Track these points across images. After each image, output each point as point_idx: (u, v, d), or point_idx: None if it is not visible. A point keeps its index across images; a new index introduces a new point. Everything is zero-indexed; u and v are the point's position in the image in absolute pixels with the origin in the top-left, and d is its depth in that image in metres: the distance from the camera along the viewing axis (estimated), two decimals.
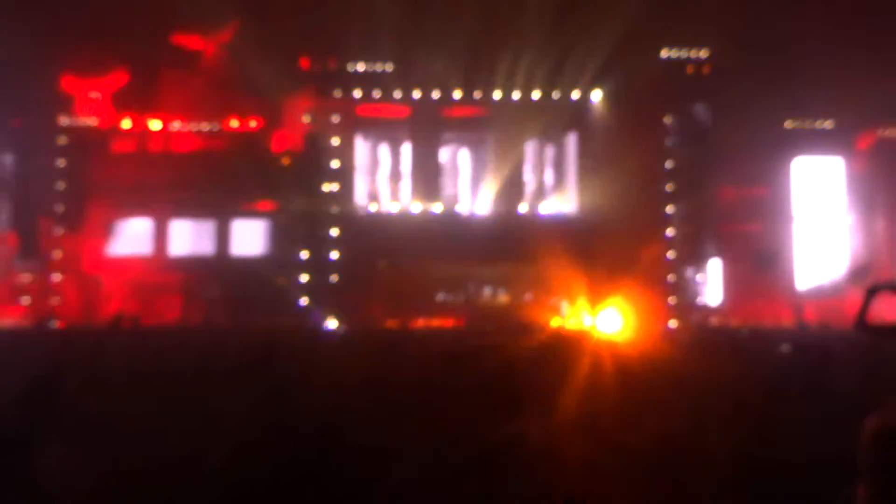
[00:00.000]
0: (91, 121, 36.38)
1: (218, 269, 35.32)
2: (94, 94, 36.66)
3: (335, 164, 36.15)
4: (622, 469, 5.28)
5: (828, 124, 38.07)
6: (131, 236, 35.82)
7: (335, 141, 36.26)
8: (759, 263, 35.21)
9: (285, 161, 35.56)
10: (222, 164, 34.87)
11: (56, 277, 35.14)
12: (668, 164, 36.70)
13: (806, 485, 4.73)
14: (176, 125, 36.83)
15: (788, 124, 38.38)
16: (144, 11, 37.37)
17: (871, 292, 5.18)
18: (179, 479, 5.45)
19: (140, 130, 36.54)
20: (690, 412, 6.52)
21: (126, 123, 36.42)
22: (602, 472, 5.14)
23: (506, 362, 9.61)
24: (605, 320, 16.11)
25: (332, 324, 31.76)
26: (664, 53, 36.90)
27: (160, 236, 35.93)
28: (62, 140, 35.95)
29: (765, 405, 6.93)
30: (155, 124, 36.66)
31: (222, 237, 36.07)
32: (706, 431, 5.96)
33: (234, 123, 36.98)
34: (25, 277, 35.21)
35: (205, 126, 36.98)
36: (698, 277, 36.29)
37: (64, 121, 36.08)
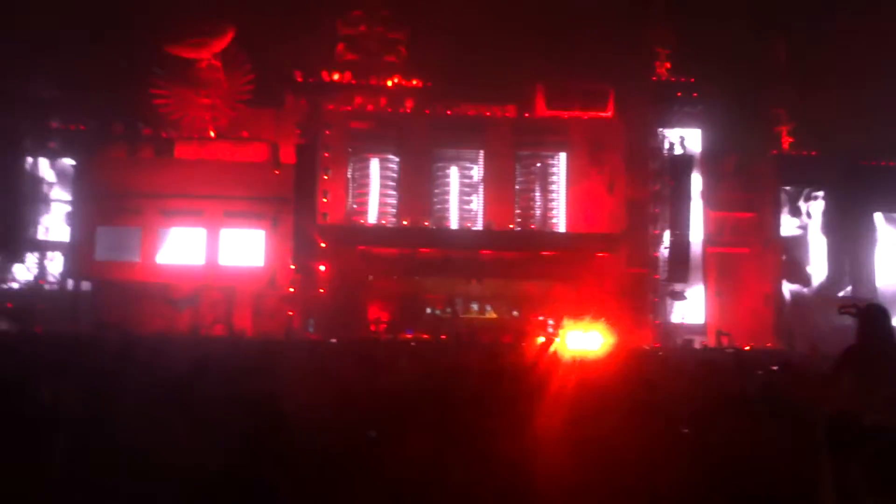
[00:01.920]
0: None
1: (208, 278, 35.23)
2: None
3: (326, 176, 36.20)
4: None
5: (813, 153, 38.73)
6: (117, 243, 35.62)
7: (326, 153, 36.32)
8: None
9: (276, 172, 35.58)
10: (214, 173, 35.01)
11: None
12: (656, 187, 37.21)
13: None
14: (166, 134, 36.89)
15: (774, 152, 39.08)
16: (138, 24, 37.84)
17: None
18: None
19: (133, 139, 36.48)
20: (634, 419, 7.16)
21: (115, 130, 36.44)
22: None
23: (481, 376, 10.07)
24: (582, 338, 16.17)
25: (319, 334, 31.65)
26: (655, 78, 37.47)
27: (148, 243, 35.74)
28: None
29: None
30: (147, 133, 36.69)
31: (212, 247, 35.93)
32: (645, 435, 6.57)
33: (226, 134, 37.07)
34: None
35: (197, 136, 37.04)
36: (682, 297, 36.58)
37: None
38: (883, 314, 5.67)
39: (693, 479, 5.70)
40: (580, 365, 12.34)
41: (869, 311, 5.66)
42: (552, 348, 15.77)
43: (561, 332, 33.08)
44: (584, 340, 16.58)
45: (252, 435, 6.09)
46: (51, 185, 36.66)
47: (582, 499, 5.59)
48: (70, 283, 35.99)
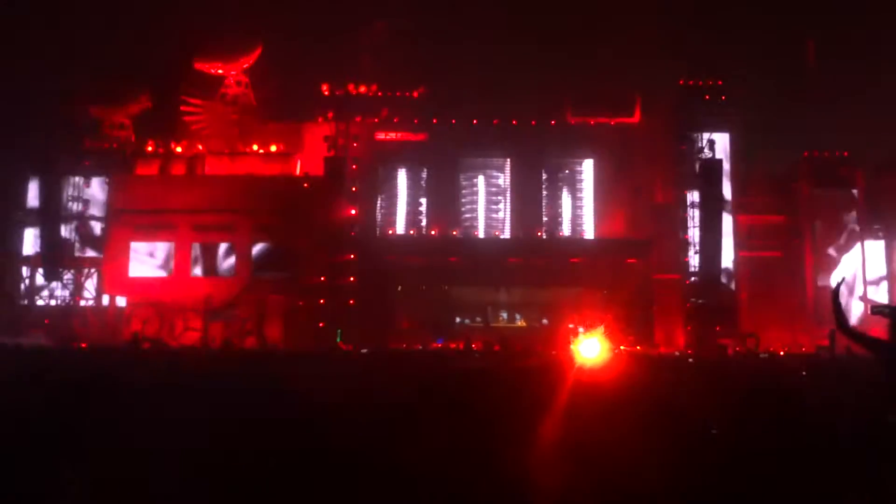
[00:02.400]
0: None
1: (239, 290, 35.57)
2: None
3: (354, 188, 36.37)
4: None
5: (842, 155, 38.18)
6: (152, 258, 36.17)
7: (354, 165, 36.53)
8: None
9: (305, 185, 35.91)
10: (244, 188, 35.43)
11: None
12: (685, 191, 36.83)
13: None
14: (197, 150, 37.49)
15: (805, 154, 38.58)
16: (168, 39, 38.53)
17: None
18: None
19: (162, 154, 37.16)
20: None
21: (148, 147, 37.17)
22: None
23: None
24: (594, 347, 16.09)
25: (350, 345, 31.76)
26: (682, 81, 37.20)
27: (181, 258, 36.19)
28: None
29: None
30: (177, 149, 37.31)
31: (242, 259, 36.30)
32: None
33: (255, 148, 37.52)
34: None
35: (226, 151, 37.57)
36: (715, 303, 36.14)
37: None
38: None
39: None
40: (603, 372, 12.66)
41: None
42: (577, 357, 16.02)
43: (587, 339, 33.10)
44: (607, 348, 16.54)
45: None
46: (86, 202, 37.30)
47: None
48: (105, 299, 36.56)
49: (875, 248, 38.00)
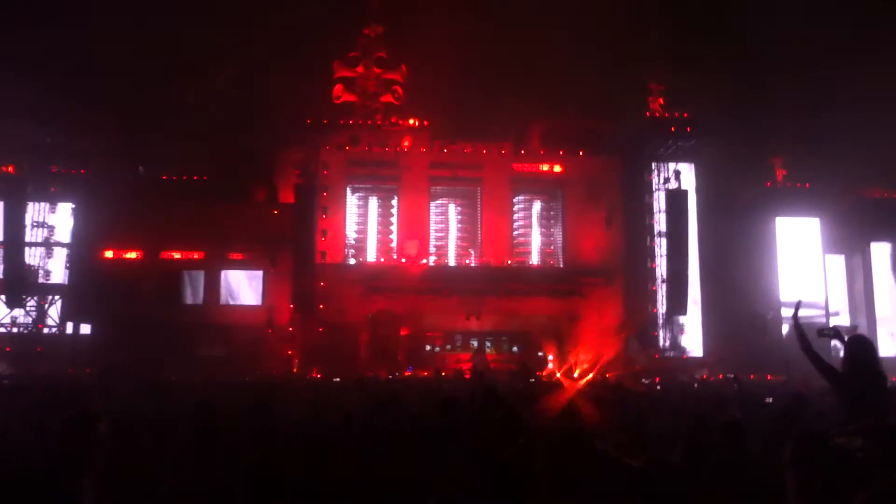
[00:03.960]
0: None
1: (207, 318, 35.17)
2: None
3: (325, 215, 36.40)
4: None
5: (807, 185, 39.15)
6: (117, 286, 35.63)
7: (325, 194, 36.58)
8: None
9: (275, 212, 35.84)
10: (212, 214, 35.21)
11: None
12: (652, 221, 37.46)
13: None
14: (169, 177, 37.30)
15: (768, 184, 39.48)
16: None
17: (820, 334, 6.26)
18: None
19: (132, 181, 36.90)
20: None
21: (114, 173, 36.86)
22: None
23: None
24: (579, 369, 16.18)
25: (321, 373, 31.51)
26: (648, 113, 37.95)
27: (150, 285, 35.72)
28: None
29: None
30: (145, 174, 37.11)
31: (211, 288, 36.01)
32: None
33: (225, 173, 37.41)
34: None
35: (195, 175, 37.43)
36: (681, 330, 36.63)
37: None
38: (870, 346, 6.04)
39: None
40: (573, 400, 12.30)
41: (857, 342, 6.04)
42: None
43: (559, 365, 33.27)
44: (578, 376, 16.52)
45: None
46: (51, 228, 36.76)
47: None
48: (70, 326, 35.94)
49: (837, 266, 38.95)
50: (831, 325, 7.00)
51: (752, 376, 30.61)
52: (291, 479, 5.97)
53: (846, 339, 6.08)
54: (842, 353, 5.96)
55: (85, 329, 35.71)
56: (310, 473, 6.10)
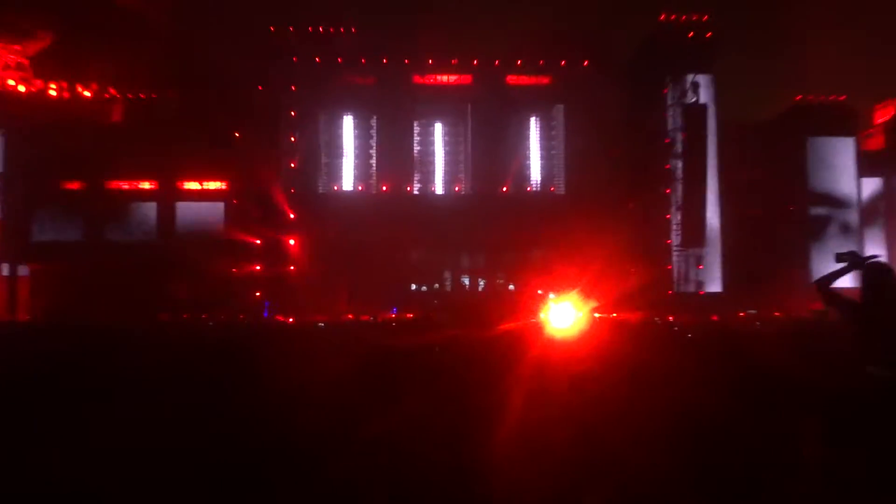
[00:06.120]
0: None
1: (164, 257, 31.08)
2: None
3: (293, 138, 32.16)
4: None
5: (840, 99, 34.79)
6: (62, 219, 31.57)
7: (293, 112, 32.13)
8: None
9: (236, 135, 31.46)
10: (165, 136, 30.75)
11: None
12: (666, 140, 33.08)
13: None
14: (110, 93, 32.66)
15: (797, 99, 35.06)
16: None
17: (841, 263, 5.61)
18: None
19: (69, 98, 32.22)
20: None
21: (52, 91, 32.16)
22: None
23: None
24: (565, 314, 15.33)
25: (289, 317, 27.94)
26: (663, 17, 33.13)
27: (96, 219, 31.68)
28: None
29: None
30: (86, 92, 32.43)
31: (166, 221, 31.92)
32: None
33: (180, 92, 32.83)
34: None
35: (146, 94, 32.84)
36: (698, 264, 32.81)
37: None
38: (889, 273, 5.41)
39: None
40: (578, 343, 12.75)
41: (876, 269, 5.40)
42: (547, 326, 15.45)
43: (558, 305, 29.38)
44: (575, 314, 15.94)
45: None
46: None
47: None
48: (6, 268, 31.88)
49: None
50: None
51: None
52: None
53: (865, 264, 5.42)
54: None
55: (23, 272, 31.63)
56: None
